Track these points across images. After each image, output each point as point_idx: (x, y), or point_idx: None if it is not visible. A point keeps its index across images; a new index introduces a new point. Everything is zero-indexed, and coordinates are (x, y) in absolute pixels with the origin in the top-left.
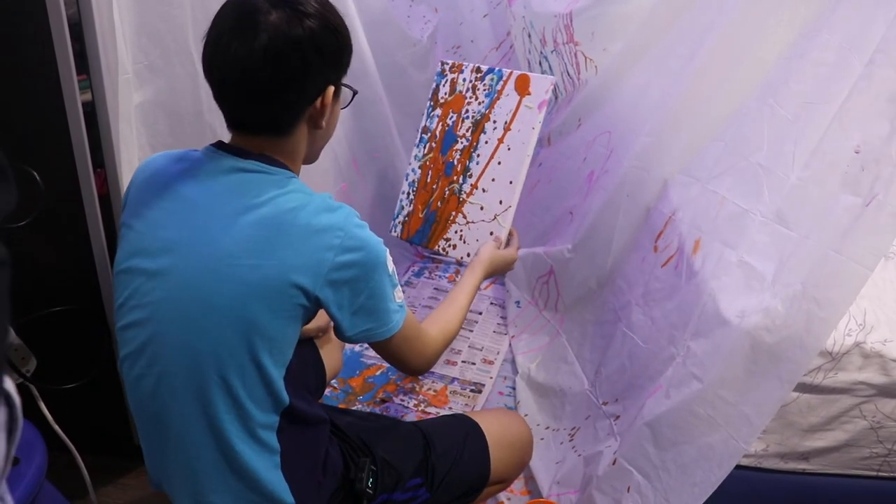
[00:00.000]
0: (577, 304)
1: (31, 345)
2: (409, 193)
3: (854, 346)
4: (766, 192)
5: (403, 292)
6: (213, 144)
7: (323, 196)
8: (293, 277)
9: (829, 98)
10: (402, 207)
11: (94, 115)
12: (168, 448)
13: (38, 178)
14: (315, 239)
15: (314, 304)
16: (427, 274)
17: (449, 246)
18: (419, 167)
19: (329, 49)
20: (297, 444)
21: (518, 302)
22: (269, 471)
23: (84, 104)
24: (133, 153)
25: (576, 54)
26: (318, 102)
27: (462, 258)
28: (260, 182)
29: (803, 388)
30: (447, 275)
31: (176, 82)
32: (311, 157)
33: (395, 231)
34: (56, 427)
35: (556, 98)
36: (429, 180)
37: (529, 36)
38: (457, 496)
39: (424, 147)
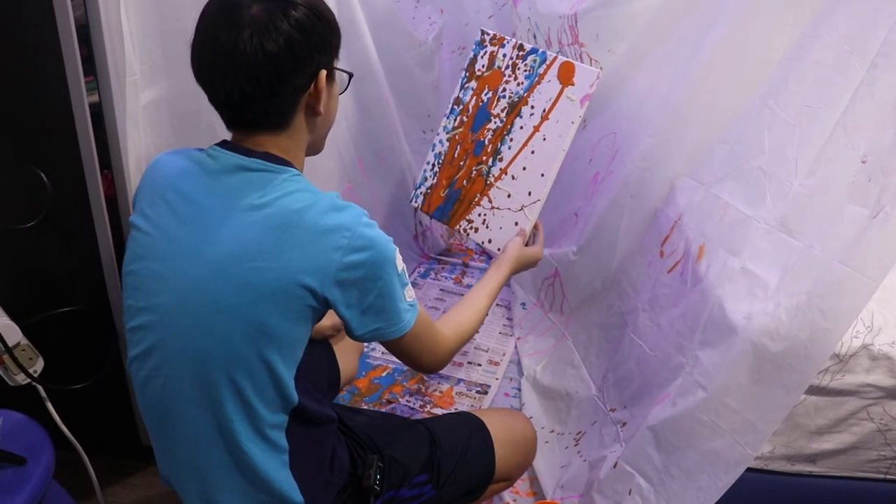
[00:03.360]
0: (582, 306)
1: (38, 345)
2: (433, 165)
3: (862, 348)
4: (769, 198)
5: None
6: (217, 143)
7: (330, 195)
8: (300, 279)
9: (830, 102)
10: (426, 179)
11: (102, 117)
12: (176, 447)
13: (45, 179)
14: (322, 239)
15: (323, 305)
16: (433, 275)
17: (471, 228)
18: (447, 139)
19: (314, 34)
20: (305, 442)
21: (524, 304)
22: (278, 470)
23: (91, 106)
24: (141, 154)
25: (581, 56)
26: (312, 89)
27: (483, 242)
28: (265, 181)
29: (810, 389)
30: (453, 276)
31: (179, 82)
32: (315, 147)
33: (416, 202)
34: (63, 427)
35: None
36: (456, 156)
37: (535, 37)
38: (462, 493)
39: (455, 119)
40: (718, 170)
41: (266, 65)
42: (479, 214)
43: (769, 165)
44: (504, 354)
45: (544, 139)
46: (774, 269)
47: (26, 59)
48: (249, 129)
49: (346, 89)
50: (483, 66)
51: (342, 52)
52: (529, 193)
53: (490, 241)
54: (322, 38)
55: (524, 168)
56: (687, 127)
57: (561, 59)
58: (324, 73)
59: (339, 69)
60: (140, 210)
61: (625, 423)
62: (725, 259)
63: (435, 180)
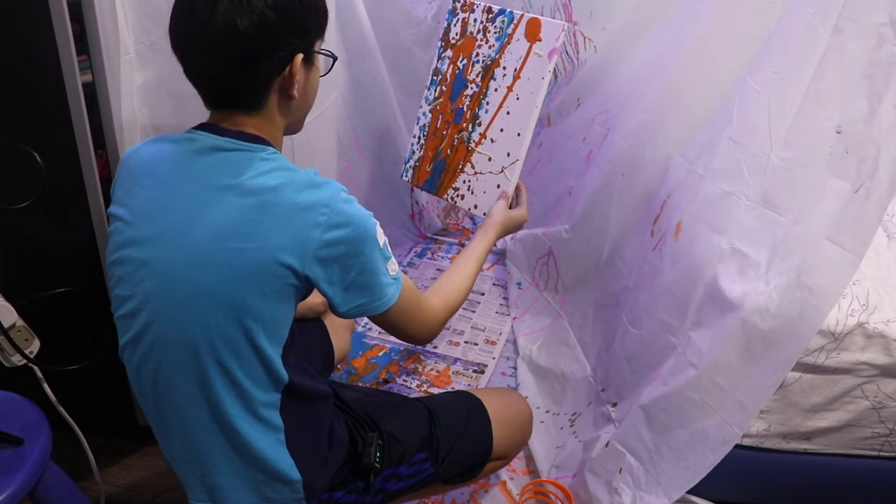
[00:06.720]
0: (577, 285)
1: (34, 326)
2: (419, 138)
3: (857, 326)
4: (747, 172)
5: (405, 273)
6: (195, 126)
7: (307, 172)
8: (280, 258)
9: (797, 69)
10: (413, 152)
11: (95, 97)
12: (173, 432)
13: (39, 159)
14: (300, 217)
15: (304, 283)
16: (429, 255)
17: (457, 196)
18: (430, 111)
19: (292, 16)
20: (300, 420)
21: (519, 283)
22: (274, 449)
23: (85, 85)
24: (135, 134)
25: (574, 34)
26: (286, 72)
27: (470, 209)
28: (239, 160)
29: (805, 368)
30: (449, 256)
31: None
32: (292, 128)
33: (406, 176)
34: (60, 408)
35: (556, 78)
36: (439, 126)
37: None
38: (460, 471)
39: (435, 90)
40: (698, 144)
41: (236, 43)
42: (464, 181)
43: (739, 135)
44: (501, 334)
45: (518, 98)
46: (763, 247)
47: (18, 39)
48: (225, 108)
49: (328, 72)
50: (457, 34)
51: (339, 30)
52: (508, 154)
53: (476, 207)
54: (300, 20)
55: (501, 130)
56: (679, 105)
57: (528, 16)
58: (300, 56)
59: (321, 52)
60: (118, 200)
61: (615, 404)
62: (709, 237)
63: (421, 153)
